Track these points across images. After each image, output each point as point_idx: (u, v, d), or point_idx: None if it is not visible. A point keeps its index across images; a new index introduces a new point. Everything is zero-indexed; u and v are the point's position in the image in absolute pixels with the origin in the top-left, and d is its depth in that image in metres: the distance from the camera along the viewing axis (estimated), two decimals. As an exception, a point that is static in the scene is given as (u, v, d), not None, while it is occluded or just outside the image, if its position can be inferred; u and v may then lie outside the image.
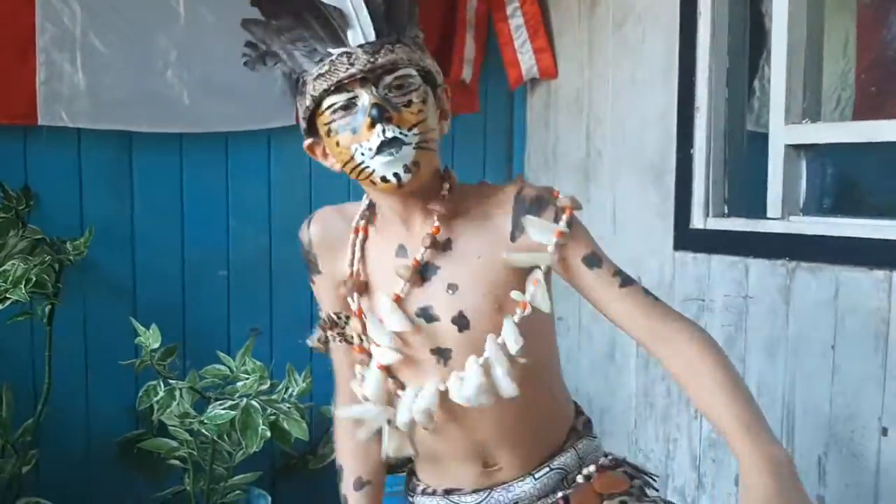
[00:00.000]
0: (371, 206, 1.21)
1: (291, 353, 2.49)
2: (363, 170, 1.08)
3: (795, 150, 2.07)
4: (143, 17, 2.26)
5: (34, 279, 1.88)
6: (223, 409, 1.85)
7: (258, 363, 2.05)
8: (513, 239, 1.14)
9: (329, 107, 1.08)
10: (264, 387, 1.95)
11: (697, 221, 2.27)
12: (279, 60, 1.12)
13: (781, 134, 2.07)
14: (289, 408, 1.92)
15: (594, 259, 1.13)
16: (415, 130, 1.07)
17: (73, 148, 2.27)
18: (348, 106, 1.08)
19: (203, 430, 1.86)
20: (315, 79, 1.07)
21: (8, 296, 1.86)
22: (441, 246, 1.15)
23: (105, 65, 2.22)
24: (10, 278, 1.88)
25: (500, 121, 2.92)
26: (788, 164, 2.07)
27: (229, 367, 2.09)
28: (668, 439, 2.37)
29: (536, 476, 1.22)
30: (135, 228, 2.37)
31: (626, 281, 1.13)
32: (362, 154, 1.07)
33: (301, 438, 2.00)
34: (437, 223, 1.14)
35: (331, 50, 1.07)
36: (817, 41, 2.13)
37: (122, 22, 2.24)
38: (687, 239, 2.30)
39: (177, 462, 2.19)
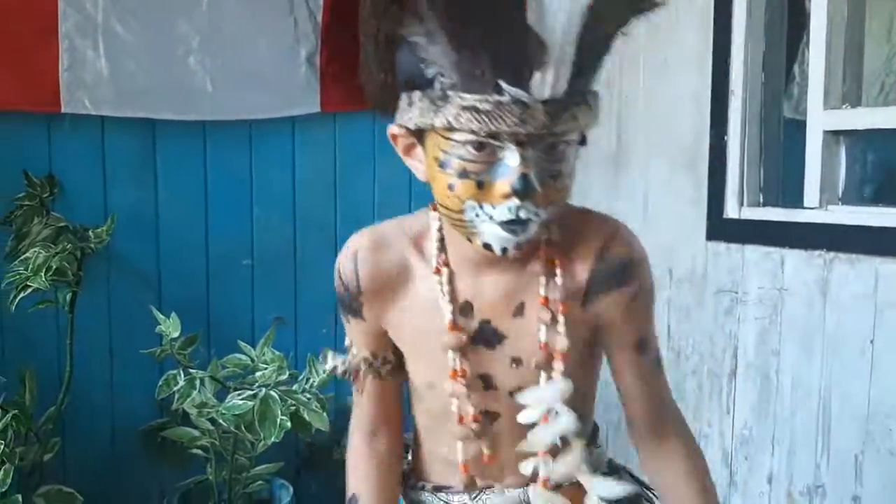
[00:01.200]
0: (441, 238, 1.02)
1: (315, 342, 2.48)
2: (467, 226, 0.90)
3: (834, 136, 1.98)
4: (164, 2, 2.27)
5: (55, 267, 1.88)
6: (241, 399, 1.84)
7: (278, 353, 2.04)
8: (584, 304, 1.01)
9: (462, 141, 0.85)
10: (284, 377, 1.93)
11: (731, 210, 2.20)
12: (421, 37, 0.85)
13: (820, 119, 1.99)
14: (309, 398, 1.90)
15: (644, 344, 1.06)
16: (551, 209, 0.89)
17: (97, 135, 2.28)
18: (484, 149, 0.85)
19: (221, 420, 1.85)
20: (465, 107, 0.83)
21: (29, 283, 1.86)
22: (515, 311, 1.01)
23: (127, 51, 2.23)
24: (32, 266, 1.88)
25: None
26: (827, 150, 1.98)
27: (250, 357, 2.07)
28: (700, 435, 2.31)
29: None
30: (159, 217, 2.38)
31: (657, 371, 1.09)
32: (477, 215, 0.88)
33: (323, 430, 1.98)
34: (532, 298, 0.99)
35: (503, 85, 0.81)
36: (858, 22, 2.04)
37: (144, 8, 2.25)
38: (720, 228, 2.23)
39: (199, 451, 2.19)
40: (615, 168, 2.60)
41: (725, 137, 2.19)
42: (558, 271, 0.99)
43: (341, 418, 2.41)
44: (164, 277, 2.39)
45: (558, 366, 1.00)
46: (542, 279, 0.99)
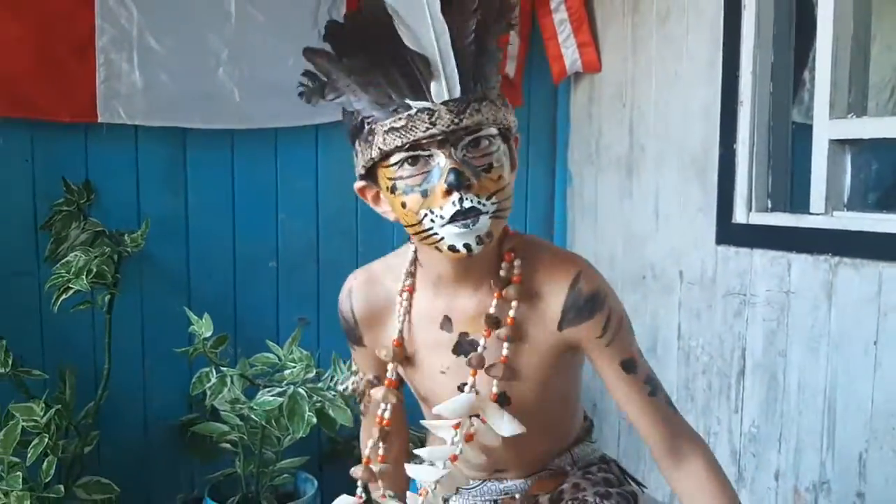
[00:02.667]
0: (414, 261, 1.16)
1: (337, 342, 2.57)
2: (430, 236, 1.00)
3: (840, 144, 2.05)
4: (196, 17, 2.35)
5: (95, 270, 1.98)
6: (271, 396, 1.93)
7: (305, 352, 2.12)
8: (559, 328, 1.12)
9: (397, 162, 0.99)
10: (311, 375, 2.02)
11: (740, 216, 2.26)
12: (340, 96, 1.01)
13: (826, 128, 2.05)
14: (334, 395, 1.99)
15: (631, 364, 1.13)
16: (493, 199, 0.99)
17: (131, 144, 2.37)
18: (418, 162, 0.98)
19: (252, 416, 1.94)
20: (387, 131, 0.98)
21: (71, 285, 1.96)
22: (491, 322, 1.11)
23: (160, 64, 2.31)
24: (73, 269, 1.98)
25: (544, 114, 2.94)
26: (832, 159, 2.04)
27: (277, 356, 2.16)
28: (709, 433, 2.38)
29: (532, 476, 1.27)
30: (189, 221, 2.47)
31: (654, 390, 1.14)
32: (432, 221, 0.99)
33: (346, 425, 2.07)
34: (493, 309, 1.10)
35: (409, 102, 0.97)
36: (864, 35, 2.10)
37: (177, 22, 2.33)
38: (729, 233, 2.29)
39: (228, 446, 2.28)
40: (628, 174, 2.67)
41: (734, 146, 2.26)
42: (521, 288, 1.10)
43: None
44: (194, 279, 2.48)
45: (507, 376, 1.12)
46: (514, 303, 1.10)
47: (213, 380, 2.04)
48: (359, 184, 1.09)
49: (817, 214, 2.07)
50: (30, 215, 2.26)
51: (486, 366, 1.11)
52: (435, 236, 1.00)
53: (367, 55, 0.98)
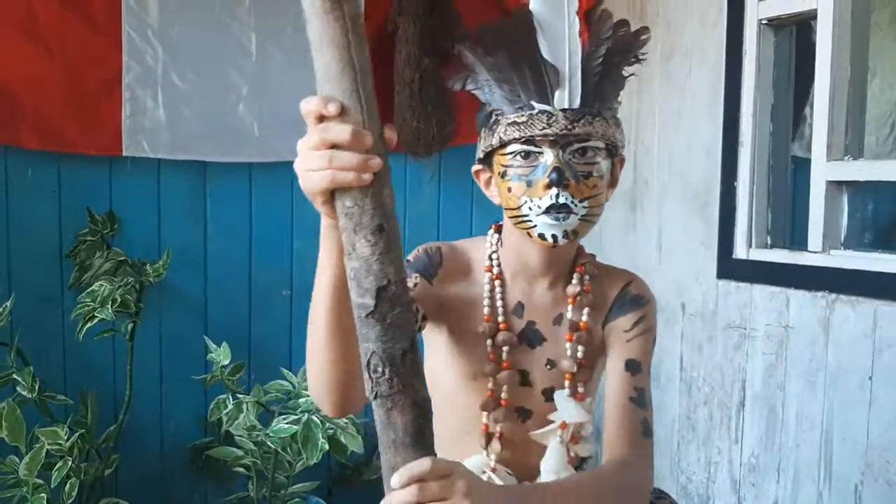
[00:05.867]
0: (497, 247, 1.27)
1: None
2: (525, 221, 1.14)
3: (837, 185, 2.12)
4: (218, 55, 2.45)
5: (119, 300, 2.06)
6: (287, 423, 2.00)
7: (319, 381, 2.19)
8: (604, 324, 1.26)
9: (512, 152, 1.13)
10: (324, 403, 2.09)
11: (740, 251, 2.33)
12: (478, 88, 1.16)
13: (823, 170, 2.12)
14: (346, 423, 2.06)
15: (636, 367, 1.24)
16: (585, 203, 1.12)
17: (154, 176, 2.46)
18: (529, 156, 1.12)
19: (268, 442, 2.01)
20: (509, 124, 1.12)
21: (96, 314, 2.04)
22: (554, 320, 1.25)
23: (183, 100, 2.41)
24: (99, 298, 2.06)
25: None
26: (830, 199, 2.11)
27: (291, 383, 2.24)
28: (710, 462, 2.44)
29: None
30: (207, 251, 2.55)
31: (640, 402, 1.21)
32: (530, 209, 1.12)
33: (357, 452, 2.14)
34: (570, 313, 1.24)
35: (533, 103, 1.11)
36: (861, 79, 2.17)
37: (199, 60, 2.42)
38: (730, 268, 2.36)
39: (241, 469, 2.34)
40: (632, 209, 2.75)
41: (735, 184, 2.33)
42: (590, 297, 1.25)
43: (372, 442, 2.57)
44: (211, 306, 2.56)
45: (581, 377, 1.25)
46: (587, 310, 1.25)
47: (230, 406, 2.12)
48: (476, 167, 1.23)
49: (815, 252, 2.14)
50: (55, 244, 2.35)
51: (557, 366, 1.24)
52: (529, 223, 1.13)
53: (508, 56, 1.12)
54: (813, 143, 2.15)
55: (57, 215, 2.35)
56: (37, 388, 2.05)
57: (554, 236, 1.13)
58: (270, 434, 1.99)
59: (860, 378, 1.99)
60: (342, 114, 0.81)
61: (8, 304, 2.11)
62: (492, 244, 1.27)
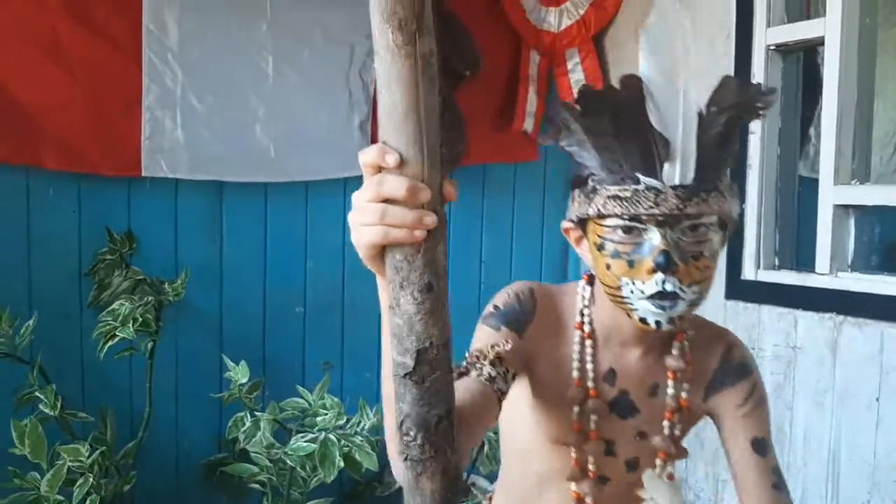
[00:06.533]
0: (590, 303, 1.16)
1: (360, 384, 2.69)
2: (625, 303, 1.03)
3: (844, 209, 2.16)
4: (235, 77, 2.49)
5: (140, 319, 2.10)
6: (305, 441, 2.03)
7: (335, 399, 2.23)
8: (705, 398, 1.17)
9: (612, 225, 1.01)
10: (341, 422, 2.13)
11: (749, 273, 2.38)
12: (573, 146, 1.04)
13: (830, 194, 2.17)
14: (361, 441, 2.09)
15: (763, 446, 1.15)
16: (695, 288, 1.00)
17: (171, 195, 2.50)
18: (631, 232, 1.01)
19: (286, 460, 2.04)
20: (610, 196, 1.00)
21: (117, 333, 2.08)
22: (650, 391, 1.15)
23: (202, 121, 2.45)
24: (120, 317, 2.09)
25: (560, 168, 3.07)
26: (837, 222, 2.16)
27: (307, 401, 2.27)
28: (717, 480, 2.47)
29: None
30: (223, 269, 2.59)
31: (779, 482, 1.14)
32: (631, 291, 1.01)
33: (372, 469, 2.17)
34: (670, 389, 1.13)
35: (640, 176, 0.99)
36: (867, 104, 2.22)
37: (218, 82, 2.46)
38: (738, 289, 2.40)
39: (257, 486, 2.37)
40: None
41: (744, 206, 2.37)
42: (690, 371, 1.14)
43: (384, 458, 2.61)
44: (226, 323, 2.60)
45: (675, 455, 1.16)
46: (687, 385, 1.15)
47: (248, 424, 2.15)
48: (566, 224, 1.12)
49: (822, 274, 2.18)
50: (75, 262, 2.39)
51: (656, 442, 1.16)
52: (629, 305, 1.03)
53: (611, 122, 1.00)
54: (820, 167, 2.20)
55: (77, 234, 2.39)
56: (58, 405, 2.08)
57: (658, 322, 1.02)
58: (289, 452, 2.03)
59: (867, 399, 2.03)
60: (401, 165, 0.74)
61: (30, 322, 2.15)
62: (584, 298, 1.16)
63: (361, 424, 2.22)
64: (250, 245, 2.62)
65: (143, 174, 2.40)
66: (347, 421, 2.19)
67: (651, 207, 0.98)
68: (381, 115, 0.74)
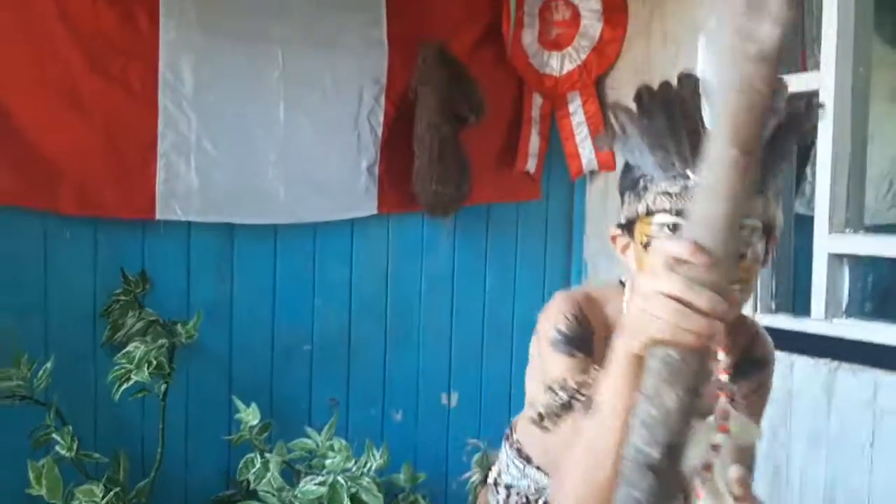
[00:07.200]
0: None
1: (366, 421, 2.75)
2: None
3: (838, 258, 2.23)
4: (248, 122, 2.56)
5: (154, 362, 2.15)
6: (314, 484, 2.09)
7: (343, 442, 2.28)
8: (733, 380, 1.15)
9: (660, 223, 1.05)
10: (349, 465, 2.18)
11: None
12: (629, 152, 1.07)
13: (825, 243, 2.23)
14: (369, 483, 2.14)
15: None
16: (736, 286, 1.02)
17: (184, 238, 2.56)
18: (677, 230, 1.03)
19: (295, 503, 2.09)
20: (660, 192, 1.04)
21: (132, 376, 2.13)
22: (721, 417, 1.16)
23: (215, 165, 2.51)
24: (135, 360, 2.15)
25: (562, 208, 3.15)
26: (832, 270, 2.22)
27: (315, 442, 2.32)
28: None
29: None
30: (233, 309, 2.65)
31: (752, 465, 1.18)
32: None
33: (376, 508, 2.22)
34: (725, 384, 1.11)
35: (689, 173, 1.02)
36: (861, 153, 2.28)
37: (231, 127, 2.53)
38: (736, 331, 2.46)
39: (266, 525, 2.42)
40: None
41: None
42: (720, 355, 1.15)
43: (387, 497, 2.65)
44: (235, 363, 2.65)
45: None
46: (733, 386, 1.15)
47: (258, 465, 2.20)
48: (614, 231, 1.16)
49: (818, 320, 2.24)
50: (90, 303, 2.44)
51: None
52: None
53: (666, 122, 1.02)
54: (815, 216, 2.26)
55: (92, 275, 2.45)
56: (75, 447, 2.13)
57: None
58: (299, 495, 2.08)
59: (861, 444, 2.09)
60: (708, 266, 0.73)
61: (48, 365, 2.20)
62: (625, 301, 1.17)
63: (368, 465, 2.28)
64: (260, 285, 2.68)
65: (157, 218, 2.46)
66: (355, 463, 2.24)
67: None
68: (699, 221, 0.75)
